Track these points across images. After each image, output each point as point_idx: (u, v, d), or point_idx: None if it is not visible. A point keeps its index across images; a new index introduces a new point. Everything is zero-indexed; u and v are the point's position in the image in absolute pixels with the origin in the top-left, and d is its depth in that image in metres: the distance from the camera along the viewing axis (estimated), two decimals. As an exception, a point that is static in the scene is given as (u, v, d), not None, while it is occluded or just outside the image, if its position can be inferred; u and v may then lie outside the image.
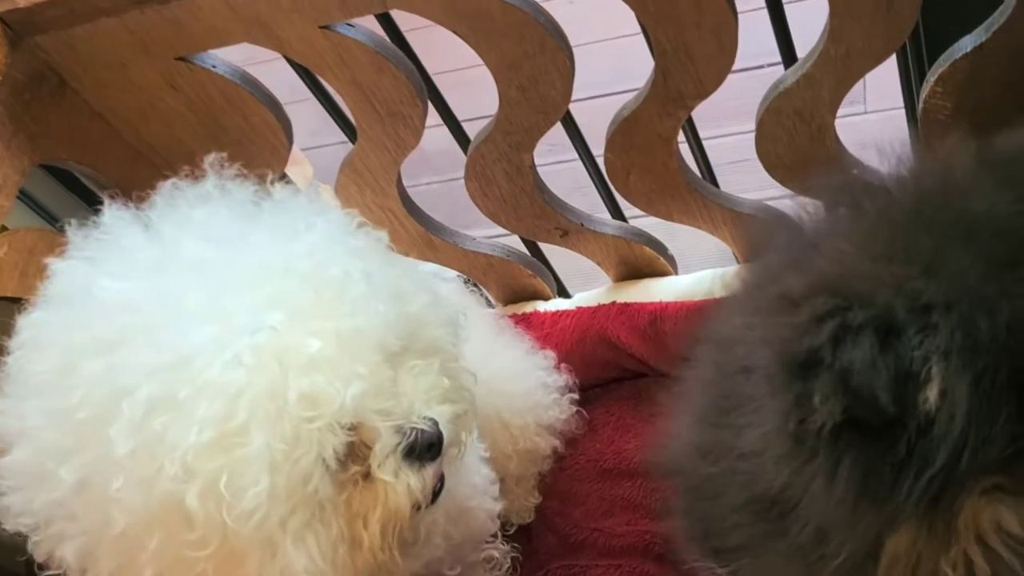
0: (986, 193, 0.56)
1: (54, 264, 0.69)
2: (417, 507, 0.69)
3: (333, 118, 1.07)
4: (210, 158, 0.74)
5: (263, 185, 0.74)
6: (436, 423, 0.69)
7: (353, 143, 1.02)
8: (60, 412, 0.62)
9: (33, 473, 0.63)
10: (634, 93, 0.96)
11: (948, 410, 0.52)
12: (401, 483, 0.67)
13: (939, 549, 0.57)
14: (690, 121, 1.06)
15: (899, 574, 0.59)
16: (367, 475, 0.67)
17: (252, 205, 0.72)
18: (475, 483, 0.87)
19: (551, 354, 1.06)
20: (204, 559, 0.62)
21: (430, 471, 0.69)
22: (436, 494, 0.71)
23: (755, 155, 0.99)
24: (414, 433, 0.68)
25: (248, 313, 0.64)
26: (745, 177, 1.19)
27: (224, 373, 0.61)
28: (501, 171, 1.01)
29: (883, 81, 1.30)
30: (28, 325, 0.67)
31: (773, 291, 0.59)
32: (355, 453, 0.67)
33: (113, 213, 0.71)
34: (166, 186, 0.72)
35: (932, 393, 0.52)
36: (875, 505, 0.55)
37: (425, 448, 0.68)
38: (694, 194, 1.04)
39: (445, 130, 1.10)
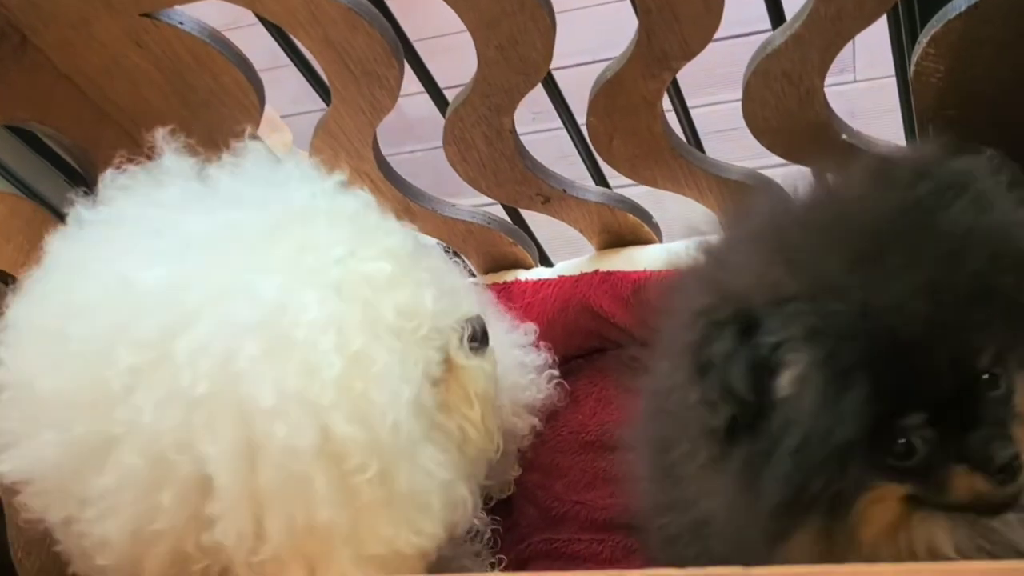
0: (860, 197, 0.59)
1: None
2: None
3: (308, 80, 1.03)
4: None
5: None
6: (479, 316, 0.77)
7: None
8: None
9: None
10: (620, 57, 0.93)
11: (800, 394, 0.54)
12: (479, 366, 0.75)
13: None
14: (677, 88, 1.03)
15: None
16: (447, 375, 0.74)
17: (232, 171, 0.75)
18: None
19: (532, 327, 1.04)
20: (367, 483, 0.64)
21: (489, 354, 0.77)
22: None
23: (743, 124, 0.97)
24: (471, 324, 0.76)
25: (304, 254, 0.67)
26: (733, 146, 1.16)
27: (323, 309, 0.64)
28: (480, 135, 0.98)
29: (873, 49, 1.28)
30: None
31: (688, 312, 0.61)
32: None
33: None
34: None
35: (786, 379, 0.54)
36: (757, 506, 0.56)
37: (482, 333, 0.76)
38: (679, 160, 1.01)
39: (425, 96, 1.07)
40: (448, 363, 0.74)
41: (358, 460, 0.64)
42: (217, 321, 0.63)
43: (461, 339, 0.74)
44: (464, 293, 0.83)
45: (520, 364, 1.00)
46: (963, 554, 0.58)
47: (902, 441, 0.55)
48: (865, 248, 0.56)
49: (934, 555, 0.58)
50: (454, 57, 1.12)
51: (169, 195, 0.72)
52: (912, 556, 0.58)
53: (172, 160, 0.75)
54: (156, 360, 0.62)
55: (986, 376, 0.56)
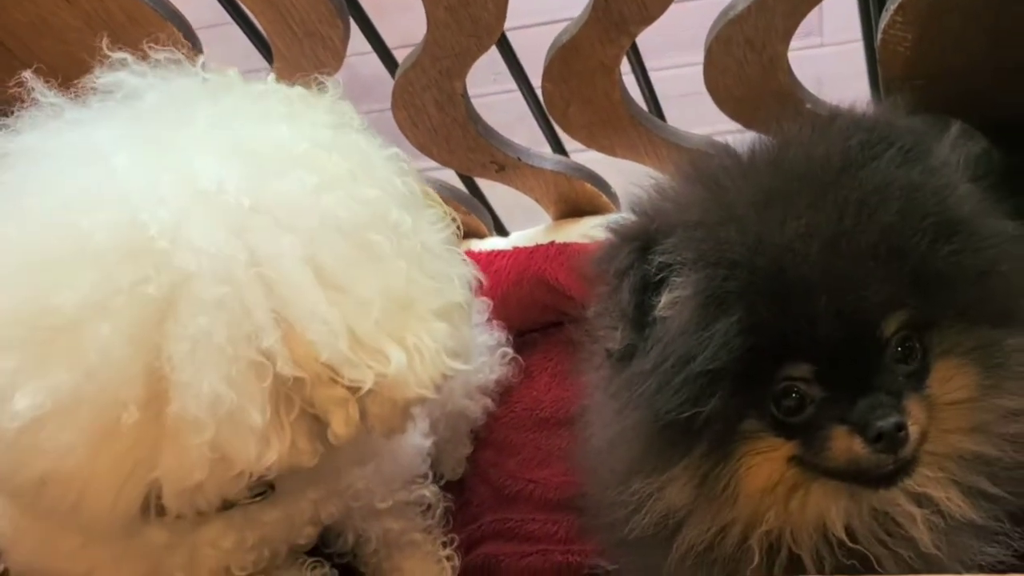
0: (793, 142, 0.61)
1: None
2: None
3: (251, 39, 0.99)
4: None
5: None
6: None
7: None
8: None
9: None
10: (578, 19, 0.90)
11: (673, 316, 0.55)
12: None
13: (723, 511, 0.58)
14: (636, 51, 1.00)
15: (694, 549, 0.59)
16: None
17: None
18: None
19: (485, 303, 1.01)
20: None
21: None
22: None
23: (705, 88, 0.94)
24: None
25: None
26: (694, 111, 1.14)
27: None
28: (431, 99, 0.96)
29: (840, 13, 1.25)
30: None
31: None
32: None
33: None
34: None
35: (665, 298, 0.55)
36: (627, 430, 0.58)
37: None
38: (638, 127, 0.99)
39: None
40: None
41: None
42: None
43: None
44: None
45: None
46: (854, 534, 0.57)
47: (794, 395, 0.54)
48: (777, 187, 0.56)
49: (822, 527, 0.57)
50: (408, 15, 1.09)
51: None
52: (803, 525, 0.57)
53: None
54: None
55: (898, 347, 0.55)
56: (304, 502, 0.76)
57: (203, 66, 0.72)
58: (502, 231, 1.17)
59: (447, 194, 1.09)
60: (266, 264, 0.61)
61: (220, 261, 0.59)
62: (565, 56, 0.91)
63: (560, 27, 0.93)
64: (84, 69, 0.90)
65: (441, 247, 0.73)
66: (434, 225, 0.75)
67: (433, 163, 1.07)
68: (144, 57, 0.71)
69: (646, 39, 0.95)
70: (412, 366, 0.65)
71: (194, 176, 0.62)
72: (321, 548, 0.86)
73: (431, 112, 0.97)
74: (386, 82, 1.00)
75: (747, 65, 0.89)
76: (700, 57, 0.92)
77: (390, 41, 1.02)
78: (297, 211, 0.63)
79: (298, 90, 0.73)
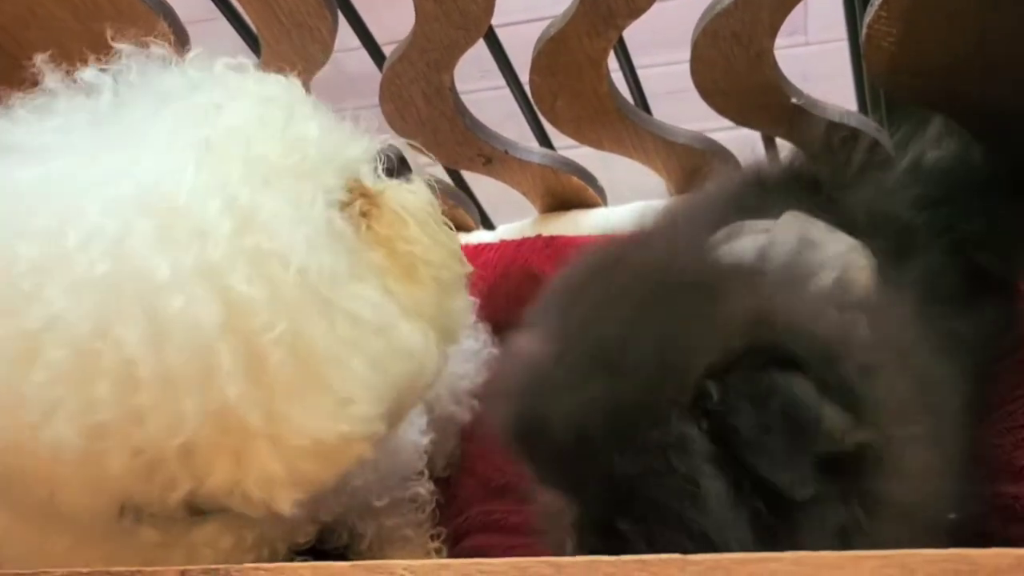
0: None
1: None
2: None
3: (238, 32, 0.99)
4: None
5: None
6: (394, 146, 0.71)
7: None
8: None
9: None
10: (566, 13, 0.89)
11: None
12: (399, 187, 0.69)
13: None
14: (624, 47, 1.00)
15: None
16: (368, 207, 0.67)
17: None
18: None
19: (472, 302, 1.00)
20: (275, 346, 0.58)
21: (416, 182, 0.71)
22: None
23: (692, 83, 0.94)
24: (383, 154, 0.69)
25: (178, 126, 0.63)
26: (682, 108, 1.14)
27: (199, 172, 0.59)
28: (419, 92, 0.95)
29: (826, 11, 1.25)
30: None
31: None
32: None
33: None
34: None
35: None
36: None
37: (400, 161, 0.70)
38: (625, 121, 0.98)
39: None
40: (363, 194, 0.67)
41: (263, 319, 0.57)
42: (102, 203, 0.58)
43: (375, 170, 0.68)
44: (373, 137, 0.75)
45: (458, 352, 0.97)
46: None
47: None
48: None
49: None
50: (396, 10, 1.08)
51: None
52: None
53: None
54: (55, 252, 0.58)
55: None
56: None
57: (194, 59, 0.70)
58: (488, 224, 1.17)
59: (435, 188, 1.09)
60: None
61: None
62: (552, 49, 0.90)
63: (544, 24, 0.93)
64: (72, 62, 0.91)
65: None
66: None
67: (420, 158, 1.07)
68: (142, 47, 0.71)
69: (634, 36, 0.95)
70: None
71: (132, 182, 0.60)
72: (316, 545, 0.86)
73: (419, 105, 0.97)
74: (372, 78, 1.00)
75: (733, 59, 0.89)
76: (688, 54, 0.92)
77: (377, 37, 1.02)
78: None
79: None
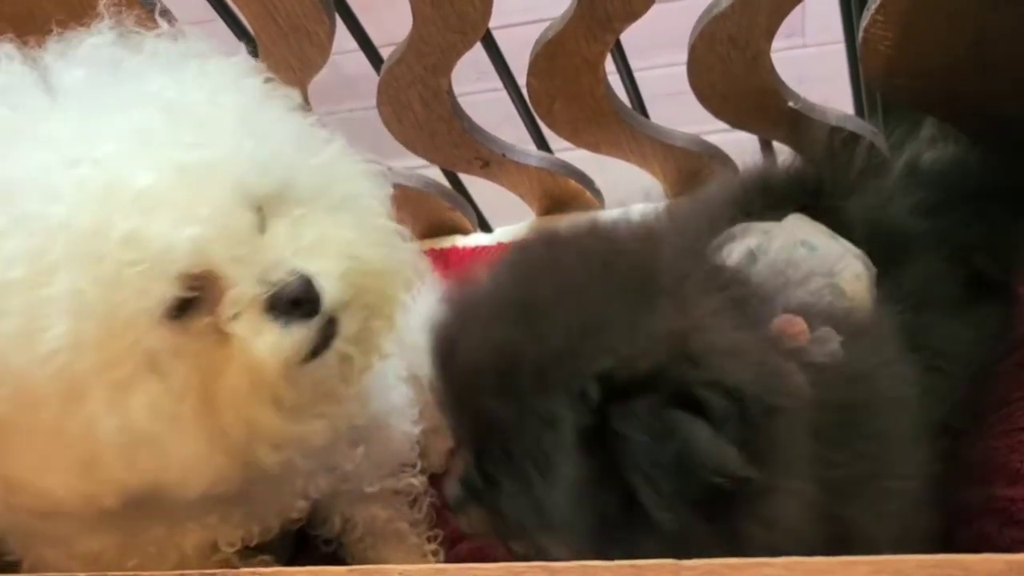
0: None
1: None
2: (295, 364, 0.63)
3: (235, 34, 0.99)
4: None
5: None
6: (306, 278, 0.62)
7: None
8: None
9: None
10: (564, 16, 0.90)
11: None
12: (262, 339, 0.61)
13: None
14: (621, 50, 1.00)
15: None
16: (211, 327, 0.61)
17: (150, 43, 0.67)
18: (393, 401, 0.83)
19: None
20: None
21: (299, 331, 0.62)
22: (321, 347, 0.64)
23: (689, 86, 0.94)
24: (276, 287, 0.61)
25: (82, 143, 0.58)
26: (681, 110, 1.14)
27: (44, 206, 0.56)
28: (416, 95, 0.95)
29: (823, 13, 1.25)
30: None
31: None
32: (208, 303, 0.61)
33: None
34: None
35: None
36: None
37: (289, 304, 0.61)
38: (622, 124, 0.99)
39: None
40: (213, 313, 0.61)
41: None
42: None
43: (255, 299, 0.61)
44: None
45: None
46: None
47: None
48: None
49: None
50: (394, 12, 1.08)
51: None
52: None
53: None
54: None
55: None
56: (295, 475, 0.75)
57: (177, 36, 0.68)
58: (486, 227, 1.17)
59: (432, 190, 1.09)
60: None
61: None
62: (550, 52, 0.91)
63: (545, 26, 0.93)
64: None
65: None
66: None
67: (418, 160, 1.07)
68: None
69: (632, 38, 0.95)
70: None
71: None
72: (308, 530, 0.86)
73: (416, 108, 0.97)
74: (370, 80, 1.00)
75: (730, 62, 0.89)
76: (685, 56, 0.92)
77: (374, 39, 1.02)
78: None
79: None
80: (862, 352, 0.63)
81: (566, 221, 1.09)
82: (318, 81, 0.96)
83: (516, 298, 0.58)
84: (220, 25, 1.00)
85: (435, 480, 0.99)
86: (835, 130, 0.92)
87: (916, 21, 0.81)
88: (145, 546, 0.71)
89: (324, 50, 0.90)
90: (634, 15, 0.86)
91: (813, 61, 1.56)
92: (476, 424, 0.58)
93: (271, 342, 0.61)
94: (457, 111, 0.99)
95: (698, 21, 0.88)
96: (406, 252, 0.73)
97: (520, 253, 0.63)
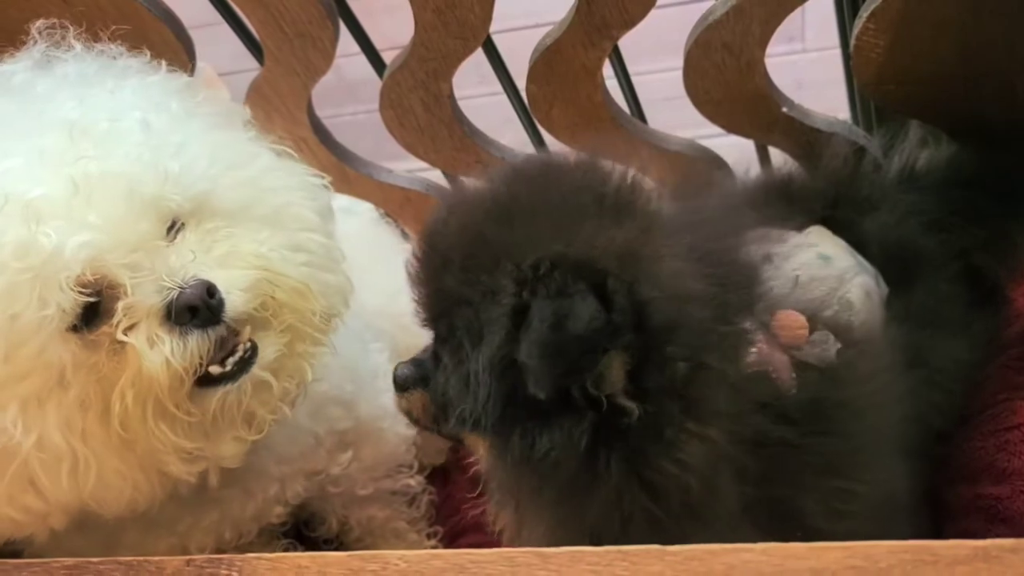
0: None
1: None
2: (194, 376, 0.63)
3: (241, 40, 1.00)
4: (39, 24, 0.71)
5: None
6: (205, 285, 0.61)
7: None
8: None
9: None
10: (562, 22, 0.91)
11: None
12: (155, 349, 0.60)
13: None
14: (619, 55, 1.02)
15: None
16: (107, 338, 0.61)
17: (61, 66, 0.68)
18: (384, 404, 0.84)
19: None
20: None
21: (195, 340, 0.61)
22: (243, 366, 0.64)
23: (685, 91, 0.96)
24: (170, 293, 0.60)
25: None
26: (677, 115, 1.15)
27: None
28: (418, 100, 0.97)
29: (823, 19, 1.27)
30: None
31: None
32: (107, 313, 0.61)
33: None
34: None
35: None
36: None
37: (184, 311, 0.60)
38: (620, 129, 1.00)
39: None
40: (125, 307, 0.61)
41: None
42: None
43: (151, 308, 0.60)
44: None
45: None
46: None
47: None
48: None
49: None
50: (395, 17, 1.10)
51: None
52: None
53: None
54: None
55: None
56: (267, 480, 0.76)
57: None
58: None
59: (433, 192, 1.10)
60: None
61: None
62: (548, 59, 0.92)
63: (544, 31, 0.95)
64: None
65: None
66: None
67: (419, 163, 1.09)
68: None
69: (630, 44, 0.97)
70: None
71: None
72: (306, 533, 0.87)
73: (418, 112, 0.98)
74: (371, 84, 1.01)
75: (725, 69, 0.91)
76: (682, 61, 0.93)
77: (375, 43, 1.04)
78: None
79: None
80: (854, 359, 0.65)
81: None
82: (320, 84, 0.97)
83: (500, 199, 0.62)
84: (222, 30, 1.01)
85: (433, 479, 1.00)
86: (843, 141, 0.93)
87: (905, 30, 0.82)
88: (121, 550, 0.72)
89: (328, 56, 0.92)
90: (631, 22, 0.88)
91: (812, 66, 1.58)
92: (435, 300, 0.62)
93: (163, 352, 0.60)
94: (458, 115, 1.00)
95: (694, 28, 0.89)
96: (337, 273, 0.72)
97: (519, 166, 0.68)
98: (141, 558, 0.47)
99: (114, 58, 0.71)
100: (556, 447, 0.56)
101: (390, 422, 0.85)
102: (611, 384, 0.56)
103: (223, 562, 0.46)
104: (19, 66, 0.68)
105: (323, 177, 0.76)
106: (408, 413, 0.67)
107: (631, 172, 0.65)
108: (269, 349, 0.65)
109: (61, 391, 0.60)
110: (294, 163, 0.75)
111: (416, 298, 0.64)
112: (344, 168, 1.05)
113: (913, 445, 0.68)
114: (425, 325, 0.65)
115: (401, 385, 0.67)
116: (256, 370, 0.64)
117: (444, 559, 0.43)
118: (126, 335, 0.60)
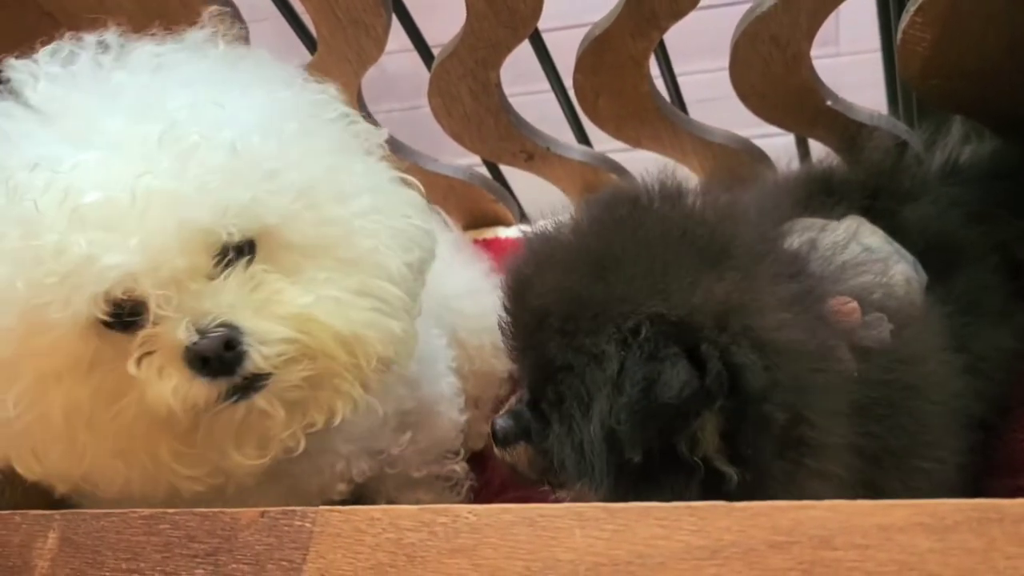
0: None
1: None
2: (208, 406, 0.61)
3: (293, 28, 1.02)
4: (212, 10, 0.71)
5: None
6: (225, 339, 0.59)
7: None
8: None
9: None
10: (611, 15, 0.92)
11: None
12: (161, 384, 0.59)
13: None
14: (665, 54, 1.03)
15: None
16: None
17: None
18: (442, 390, 0.85)
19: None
20: None
21: (202, 387, 0.59)
22: (244, 391, 0.62)
23: (730, 92, 0.97)
24: (191, 336, 0.59)
25: (65, 144, 0.59)
26: (718, 115, 1.16)
27: (9, 203, 0.58)
28: (466, 88, 0.98)
29: (857, 22, 1.27)
30: None
31: None
32: (140, 324, 0.60)
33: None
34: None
35: None
36: None
37: (197, 359, 0.59)
38: (664, 120, 1.01)
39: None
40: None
41: None
42: None
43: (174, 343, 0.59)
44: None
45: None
46: None
47: None
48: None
49: None
50: (439, 15, 1.11)
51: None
52: None
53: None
54: None
55: None
56: (335, 457, 0.76)
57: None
58: (526, 221, 1.19)
59: (476, 182, 1.12)
60: None
61: None
62: (597, 49, 0.93)
63: (585, 30, 0.96)
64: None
65: None
66: None
67: (462, 152, 1.10)
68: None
69: (673, 43, 0.98)
70: None
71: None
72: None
73: (465, 101, 1.00)
74: (410, 80, 1.02)
75: (771, 62, 0.92)
76: (723, 62, 0.94)
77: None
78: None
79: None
80: (909, 339, 0.66)
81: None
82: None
83: (592, 250, 0.61)
84: (269, 24, 1.03)
85: (473, 464, 1.01)
86: (885, 135, 0.94)
87: (953, 23, 0.83)
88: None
89: (380, 43, 0.93)
90: (680, 13, 0.88)
91: (846, 69, 1.58)
92: (536, 364, 0.61)
93: (168, 387, 0.59)
94: (505, 104, 1.02)
95: (741, 21, 0.90)
96: (405, 322, 0.68)
97: (602, 209, 0.64)
98: (216, 509, 0.48)
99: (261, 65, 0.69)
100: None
101: (446, 406, 0.86)
102: (705, 447, 0.56)
103: (296, 514, 0.47)
104: (169, 48, 0.66)
105: (429, 228, 0.72)
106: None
107: (719, 196, 0.64)
108: (282, 384, 0.63)
109: (76, 379, 0.61)
110: (406, 204, 0.72)
111: (512, 356, 0.64)
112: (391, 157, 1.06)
113: (965, 425, 0.69)
114: (521, 381, 0.64)
115: (503, 440, 0.65)
116: (259, 399, 0.62)
117: (514, 513, 0.44)
118: (141, 361, 0.60)
